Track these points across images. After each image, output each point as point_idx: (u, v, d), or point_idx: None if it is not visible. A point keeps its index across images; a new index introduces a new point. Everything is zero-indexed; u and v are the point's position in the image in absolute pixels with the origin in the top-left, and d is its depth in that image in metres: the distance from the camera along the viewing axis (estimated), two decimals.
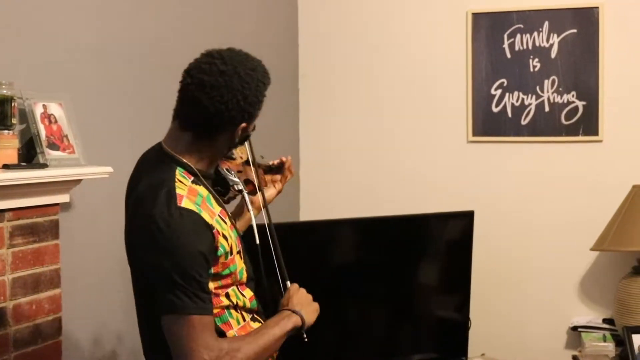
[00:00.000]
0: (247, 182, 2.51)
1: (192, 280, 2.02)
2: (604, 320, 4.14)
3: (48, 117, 2.68)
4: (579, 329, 4.12)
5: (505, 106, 4.30)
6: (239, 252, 2.23)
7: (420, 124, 4.47)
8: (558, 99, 4.21)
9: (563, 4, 4.19)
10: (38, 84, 2.73)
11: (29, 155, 2.65)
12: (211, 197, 2.19)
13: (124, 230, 2.24)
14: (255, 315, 2.32)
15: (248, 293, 2.29)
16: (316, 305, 2.34)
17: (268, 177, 2.63)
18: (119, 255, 3.19)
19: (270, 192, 2.61)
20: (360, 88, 4.52)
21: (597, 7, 4.13)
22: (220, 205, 2.22)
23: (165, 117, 3.45)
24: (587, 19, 4.15)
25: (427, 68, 4.45)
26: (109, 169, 2.82)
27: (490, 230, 4.22)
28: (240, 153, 2.53)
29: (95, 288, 3.09)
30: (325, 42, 4.57)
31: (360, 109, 4.54)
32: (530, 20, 4.24)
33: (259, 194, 2.50)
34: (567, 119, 4.20)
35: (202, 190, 2.16)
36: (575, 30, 4.18)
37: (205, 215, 2.09)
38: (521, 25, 4.25)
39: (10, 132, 2.54)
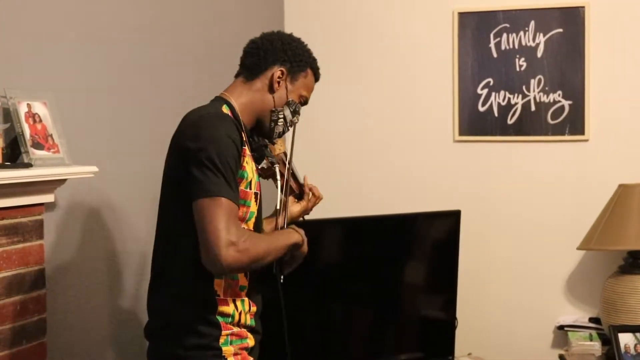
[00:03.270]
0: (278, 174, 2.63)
1: (228, 167, 2.25)
2: (591, 320, 4.15)
3: (32, 116, 2.66)
4: (566, 328, 4.13)
5: (491, 105, 4.30)
6: (256, 195, 2.43)
7: (407, 123, 4.47)
8: (544, 99, 4.22)
9: (549, 4, 4.20)
10: (22, 82, 2.71)
11: (13, 154, 2.62)
12: (246, 141, 2.42)
13: (166, 156, 2.45)
14: None
15: None
16: (305, 242, 2.58)
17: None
18: (105, 255, 3.19)
19: (295, 208, 2.81)
20: (347, 87, 4.51)
21: (583, 7, 4.14)
22: (250, 152, 2.44)
23: (151, 116, 3.45)
24: (573, 19, 4.16)
25: (414, 67, 4.45)
26: (94, 169, 2.80)
27: (477, 229, 4.23)
28: (281, 145, 2.71)
29: (81, 288, 3.07)
30: (311, 41, 4.53)
31: (346, 109, 4.53)
32: (516, 19, 4.25)
33: (281, 199, 2.65)
34: (553, 118, 4.21)
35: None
36: (561, 30, 4.19)
37: (242, 132, 2.39)
38: (507, 25, 4.26)
39: None
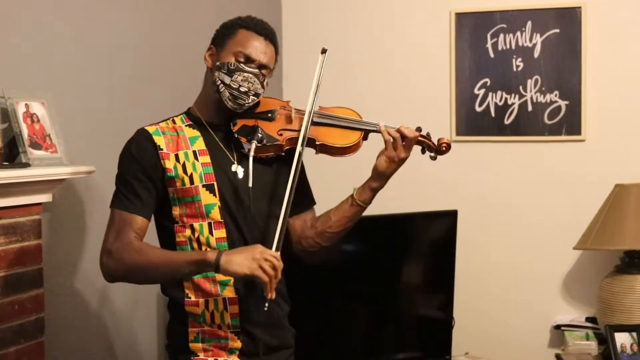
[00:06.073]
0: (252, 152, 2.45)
1: (125, 183, 2.40)
2: (587, 319, 4.15)
3: (30, 116, 2.67)
4: (562, 328, 4.14)
5: (488, 106, 4.31)
6: (209, 187, 2.41)
7: (404, 123, 4.43)
8: (541, 99, 4.23)
9: (546, 4, 4.21)
10: (20, 83, 2.71)
11: (11, 154, 2.64)
12: (201, 139, 2.47)
13: None
14: None
15: (220, 233, 2.42)
16: (252, 262, 2.22)
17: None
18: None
19: (379, 162, 2.62)
20: (344, 88, 4.52)
21: (580, 7, 4.15)
22: (211, 146, 2.46)
23: (149, 116, 3.44)
24: (570, 19, 4.17)
25: (411, 67, 4.46)
26: (92, 169, 2.82)
27: (474, 229, 4.23)
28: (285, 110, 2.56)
29: (78, 287, 3.08)
30: (309, 43, 4.57)
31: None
32: (514, 20, 4.26)
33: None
34: (550, 118, 4.22)
35: (189, 131, 2.48)
36: (558, 30, 4.20)
37: (158, 139, 2.42)
38: (504, 25, 4.27)
39: None
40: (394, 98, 4.49)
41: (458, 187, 4.35)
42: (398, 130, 2.60)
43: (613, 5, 4.15)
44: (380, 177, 2.61)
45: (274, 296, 2.25)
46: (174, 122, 2.51)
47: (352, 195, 2.63)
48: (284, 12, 4.63)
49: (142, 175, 2.39)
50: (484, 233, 4.34)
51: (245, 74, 2.43)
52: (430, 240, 4.06)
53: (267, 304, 2.27)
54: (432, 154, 2.69)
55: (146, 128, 2.47)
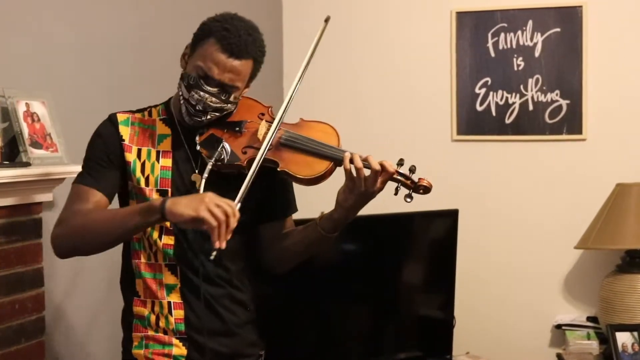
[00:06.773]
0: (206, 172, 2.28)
1: (89, 161, 2.33)
2: (588, 318, 4.15)
3: (31, 116, 2.67)
4: (563, 327, 4.14)
5: (489, 105, 4.31)
6: (160, 192, 2.30)
7: (405, 122, 4.47)
8: (542, 98, 4.23)
9: (547, 3, 4.21)
10: (21, 82, 2.71)
11: (11, 153, 2.63)
12: (170, 139, 2.35)
13: None
14: (170, 262, 2.32)
15: (168, 240, 2.31)
16: (199, 204, 2.04)
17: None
18: (102, 254, 3.18)
19: (339, 195, 2.34)
20: (344, 87, 4.52)
21: (581, 6, 4.15)
22: (177, 148, 2.33)
23: None
24: (571, 18, 4.17)
25: (412, 67, 4.45)
26: None
27: (475, 228, 4.23)
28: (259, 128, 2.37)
29: (79, 287, 3.08)
30: (309, 42, 4.55)
31: (344, 108, 4.53)
32: (514, 19, 4.26)
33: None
34: (551, 117, 4.22)
35: (161, 127, 2.37)
36: (558, 29, 4.20)
37: (123, 129, 2.34)
38: (505, 24, 4.27)
39: None
40: (394, 97, 4.49)
41: (459, 186, 4.34)
42: (366, 160, 2.31)
43: (614, 5, 4.16)
44: (341, 208, 2.33)
45: (223, 246, 2.04)
46: (150, 114, 2.40)
47: (317, 219, 2.38)
48: (284, 12, 4.63)
49: (106, 158, 2.30)
50: (485, 232, 4.34)
51: (202, 94, 2.25)
52: (430, 240, 4.06)
53: (214, 253, 2.06)
54: (408, 198, 2.38)
55: (117, 115, 2.38)
